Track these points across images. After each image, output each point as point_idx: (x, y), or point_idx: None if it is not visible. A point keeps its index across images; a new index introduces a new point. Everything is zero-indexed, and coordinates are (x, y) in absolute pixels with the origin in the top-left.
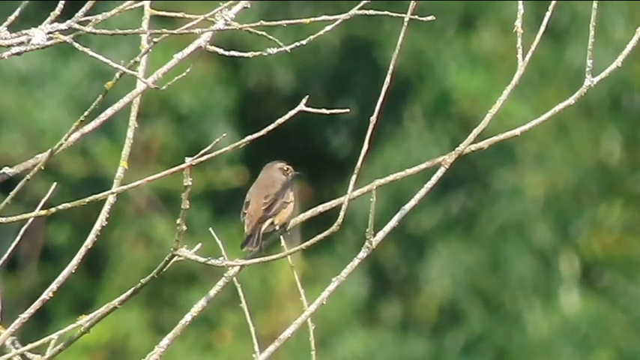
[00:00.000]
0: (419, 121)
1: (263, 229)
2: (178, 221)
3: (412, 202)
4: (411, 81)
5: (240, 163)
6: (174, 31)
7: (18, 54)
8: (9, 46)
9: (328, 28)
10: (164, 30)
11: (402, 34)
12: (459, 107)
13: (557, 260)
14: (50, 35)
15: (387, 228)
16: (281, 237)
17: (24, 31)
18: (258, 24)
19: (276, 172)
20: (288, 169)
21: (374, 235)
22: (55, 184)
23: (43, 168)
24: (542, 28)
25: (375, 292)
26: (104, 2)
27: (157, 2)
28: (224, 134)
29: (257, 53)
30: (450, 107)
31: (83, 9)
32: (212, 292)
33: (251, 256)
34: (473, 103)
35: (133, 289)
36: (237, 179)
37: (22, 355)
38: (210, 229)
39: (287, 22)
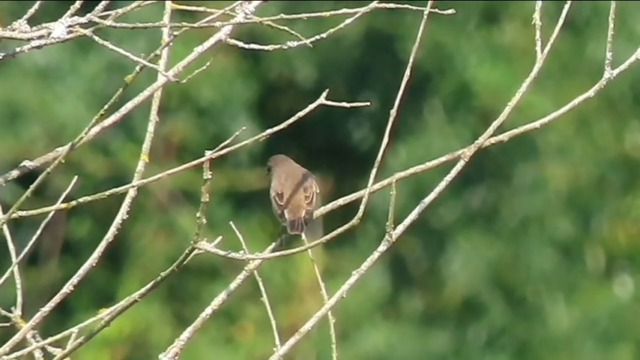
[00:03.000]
0: (439, 114)
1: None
2: (198, 214)
3: (432, 195)
4: (431, 74)
5: (262, 164)
6: (195, 25)
7: (38, 47)
8: (29, 40)
9: (349, 21)
10: (184, 23)
11: (422, 28)
12: (480, 100)
13: (580, 253)
14: (70, 29)
15: (407, 221)
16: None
17: (44, 25)
18: (278, 17)
19: (294, 164)
20: None
21: (394, 229)
22: (76, 177)
23: (63, 161)
24: (560, 21)
25: (397, 285)
26: None
27: None
28: (244, 127)
29: (277, 46)
30: (470, 100)
31: (103, 2)
32: (232, 286)
33: (272, 249)
34: (493, 97)
35: (153, 282)
36: (259, 182)
37: (43, 349)
38: (231, 222)
39: (307, 15)
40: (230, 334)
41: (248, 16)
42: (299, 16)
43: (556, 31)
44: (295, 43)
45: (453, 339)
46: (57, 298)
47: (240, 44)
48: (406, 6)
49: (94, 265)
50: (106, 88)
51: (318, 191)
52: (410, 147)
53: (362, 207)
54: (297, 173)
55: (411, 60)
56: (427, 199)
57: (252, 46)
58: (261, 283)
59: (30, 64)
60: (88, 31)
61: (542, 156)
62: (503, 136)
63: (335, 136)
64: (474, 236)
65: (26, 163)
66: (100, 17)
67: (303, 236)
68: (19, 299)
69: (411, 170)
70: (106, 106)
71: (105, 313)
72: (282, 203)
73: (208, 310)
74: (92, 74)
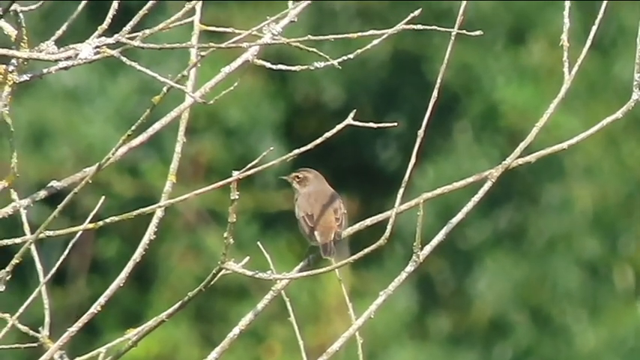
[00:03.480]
0: (467, 134)
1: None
2: (225, 234)
3: (459, 216)
4: (459, 95)
5: (289, 186)
6: (222, 45)
7: (65, 68)
8: (56, 61)
9: (376, 42)
10: (212, 44)
11: (449, 49)
12: (507, 120)
13: (607, 273)
14: (97, 50)
15: (435, 242)
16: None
17: (71, 46)
18: (305, 38)
19: (322, 183)
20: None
21: (421, 249)
22: (103, 197)
23: (90, 182)
24: (588, 42)
25: (424, 305)
26: (152, 17)
27: (204, 16)
28: (271, 148)
29: (304, 67)
30: (498, 121)
31: (131, 23)
32: (260, 306)
33: (299, 269)
34: (521, 117)
35: (180, 302)
36: (286, 202)
37: None
38: (258, 242)
39: (335, 36)
40: (257, 354)
41: (275, 37)
42: (326, 37)
43: (584, 52)
44: (322, 64)
45: (480, 358)
46: (84, 318)
47: (268, 65)
48: (433, 27)
49: (122, 285)
50: (135, 110)
51: (345, 212)
52: (438, 167)
53: (389, 227)
54: (325, 194)
55: (438, 81)
56: (455, 220)
57: (280, 66)
58: (288, 303)
59: (58, 86)
60: (115, 52)
61: (569, 176)
62: (531, 157)
63: (362, 157)
64: (501, 256)
65: (54, 183)
66: (128, 38)
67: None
68: (47, 319)
69: (439, 191)
70: (133, 127)
71: (132, 333)
72: (311, 225)
73: (236, 331)
74: (121, 96)
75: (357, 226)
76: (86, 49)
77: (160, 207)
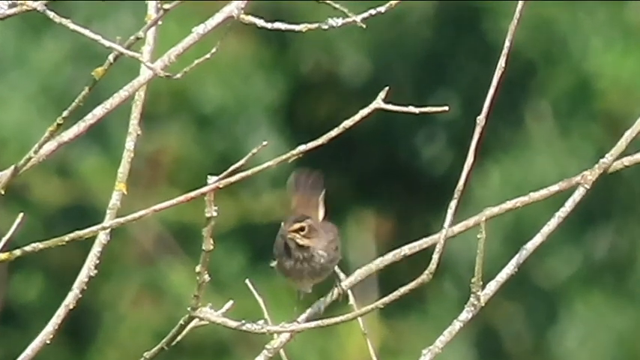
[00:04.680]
0: (547, 122)
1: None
2: (198, 268)
3: (537, 239)
4: (536, 65)
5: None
6: None
7: None
8: None
9: None
10: None
11: None
12: (606, 102)
13: None
14: (13, 1)
15: (502, 277)
16: (349, 292)
17: None
18: None
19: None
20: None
21: (482, 288)
22: (21, 214)
23: (3, 192)
24: None
25: None
26: None
27: None
28: (265, 142)
29: (313, 26)
30: (592, 102)
31: None
32: None
33: (306, 318)
34: (626, 97)
35: None
36: (284, 208)
37: None
38: (247, 280)
39: None
40: None
41: None
42: None
43: None
44: (340, 21)
45: None
46: None
47: (261, 23)
48: None
49: (49, 342)
50: (68, 87)
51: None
52: (504, 170)
53: (435, 257)
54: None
55: (506, 44)
56: (530, 245)
57: (277, 25)
58: None
59: None
60: (39, 4)
61: None
62: None
63: (397, 155)
64: (597, 299)
65: None
66: None
67: (352, 299)
68: None
69: (509, 204)
70: (65, 112)
71: None
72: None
73: None
74: (48, 67)
75: (390, 256)
76: None
77: (103, 229)
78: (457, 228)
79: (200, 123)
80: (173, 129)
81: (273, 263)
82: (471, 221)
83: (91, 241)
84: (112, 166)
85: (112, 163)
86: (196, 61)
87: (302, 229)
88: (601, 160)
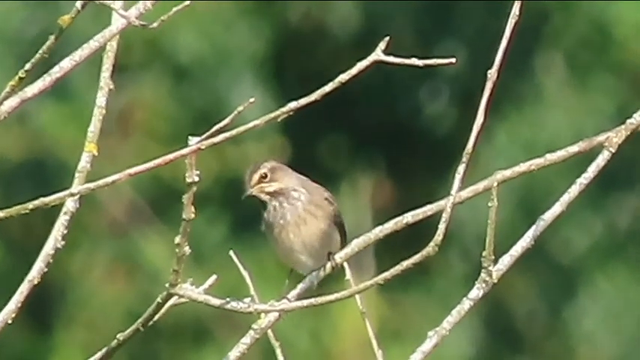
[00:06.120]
0: (560, 74)
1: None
2: (178, 240)
3: (556, 209)
4: (549, 10)
5: (281, 134)
6: None
7: None
8: None
9: None
10: None
11: None
12: (628, 52)
13: None
14: None
15: (517, 250)
16: (345, 265)
17: None
18: None
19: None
20: None
21: (494, 262)
22: None
23: None
24: None
25: (498, 350)
26: None
27: None
28: (251, 99)
29: None
30: (612, 52)
31: None
32: (233, 355)
33: (297, 295)
34: None
35: (105, 349)
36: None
37: None
38: (231, 252)
39: None
40: None
41: None
42: None
43: None
44: None
45: None
46: None
47: None
48: None
49: (11, 321)
50: (29, 36)
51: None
52: (516, 129)
53: (442, 226)
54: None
55: None
56: (549, 215)
57: None
58: (279, 351)
59: None
60: None
61: None
62: None
63: (397, 113)
64: (620, 273)
65: None
66: None
67: (348, 274)
68: None
69: (522, 167)
70: (28, 65)
71: None
72: None
73: None
74: (3, 12)
75: (391, 225)
76: None
77: (71, 195)
78: (465, 193)
79: (176, 75)
80: (148, 83)
81: (263, 227)
82: (480, 186)
83: (57, 208)
84: (78, 122)
85: (78, 119)
86: (175, 9)
87: (264, 176)
88: (628, 121)
